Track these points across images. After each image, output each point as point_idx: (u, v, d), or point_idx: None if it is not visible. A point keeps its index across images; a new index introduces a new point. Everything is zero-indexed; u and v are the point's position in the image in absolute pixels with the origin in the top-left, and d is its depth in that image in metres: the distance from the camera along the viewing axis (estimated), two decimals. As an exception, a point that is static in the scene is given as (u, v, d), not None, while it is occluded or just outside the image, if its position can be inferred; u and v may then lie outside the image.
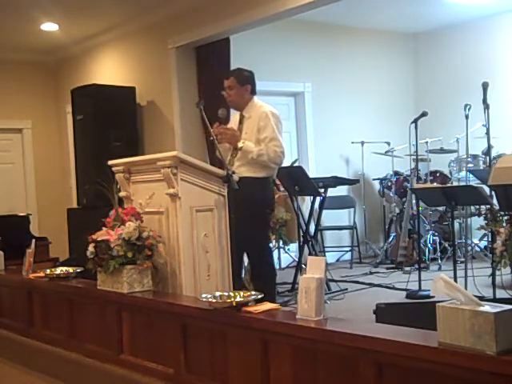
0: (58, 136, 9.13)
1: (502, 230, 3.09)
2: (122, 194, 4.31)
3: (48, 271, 4.73)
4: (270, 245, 5.10)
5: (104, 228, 3.92)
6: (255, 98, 4.76)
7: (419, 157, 6.06)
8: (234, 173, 4.22)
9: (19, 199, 8.84)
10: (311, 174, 7.00)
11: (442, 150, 7.45)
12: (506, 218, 3.21)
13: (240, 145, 4.56)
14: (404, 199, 7.36)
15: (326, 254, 7.42)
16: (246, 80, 4.73)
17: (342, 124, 8.24)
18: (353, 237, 7.84)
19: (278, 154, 4.52)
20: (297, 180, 5.67)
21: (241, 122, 4.72)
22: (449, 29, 8.51)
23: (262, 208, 4.63)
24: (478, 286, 5.08)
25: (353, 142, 8.10)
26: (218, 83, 7.01)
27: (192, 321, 3.34)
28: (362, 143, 8.10)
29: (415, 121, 5.73)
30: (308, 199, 6.77)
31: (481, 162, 7.07)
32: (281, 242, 6.17)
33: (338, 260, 7.93)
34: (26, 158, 8.99)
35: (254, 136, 4.55)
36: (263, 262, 4.69)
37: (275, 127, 4.55)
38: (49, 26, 7.51)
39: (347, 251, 7.89)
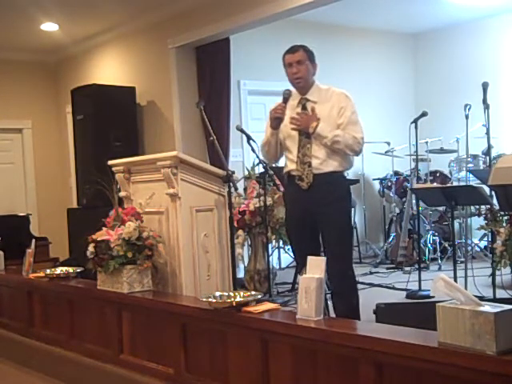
0: (58, 136, 9.12)
1: (501, 230, 3.09)
2: (122, 194, 4.31)
3: (48, 271, 4.73)
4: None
5: (104, 228, 3.92)
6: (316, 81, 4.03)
7: (419, 157, 6.07)
8: (233, 173, 4.21)
9: (19, 199, 8.84)
10: (311, 174, 6.98)
11: (442, 150, 7.45)
12: (506, 217, 3.21)
13: (311, 129, 3.79)
14: (404, 199, 7.35)
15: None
16: (314, 57, 4.03)
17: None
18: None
19: (357, 140, 3.81)
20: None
21: (304, 107, 3.92)
22: (449, 29, 8.51)
23: (348, 206, 3.98)
24: (477, 285, 5.07)
25: (353, 142, 8.09)
26: (218, 83, 7.06)
27: (192, 321, 3.34)
28: (362, 143, 8.09)
29: (415, 121, 5.73)
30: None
31: (481, 162, 7.06)
32: (281, 242, 6.15)
33: (337, 260, 7.92)
34: (26, 158, 8.99)
35: (332, 122, 3.83)
36: (347, 271, 3.88)
37: (356, 110, 3.89)
38: (49, 26, 7.51)
39: (347, 251, 7.87)
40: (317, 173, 3.80)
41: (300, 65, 3.92)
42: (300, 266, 3.93)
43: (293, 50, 4.01)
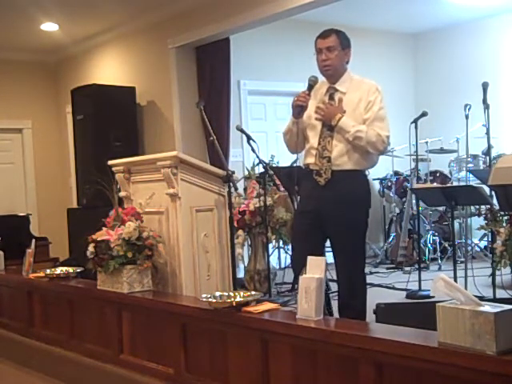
0: (58, 136, 9.12)
1: (501, 230, 3.08)
2: (122, 194, 4.31)
3: (48, 271, 4.73)
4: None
5: (104, 228, 3.92)
6: (349, 69, 3.74)
7: (419, 157, 6.07)
8: (233, 173, 4.21)
9: (19, 199, 8.84)
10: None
11: (442, 150, 7.45)
12: (506, 217, 3.21)
13: (333, 122, 3.57)
14: (404, 199, 7.35)
15: (326, 253, 7.40)
16: (348, 43, 3.69)
17: (341, 124, 8.23)
18: (353, 237, 7.83)
19: (381, 138, 3.56)
20: (297, 180, 5.66)
21: (331, 97, 3.70)
22: (449, 29, 8.51)
23: (365, 210, 3.70)
24: (477, 285, 5.07)
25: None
26: (217, 83, 7.06)
27: (192, 321, 3.34)
28: (362, 143, 8.09)
29: (415, 121, 5.73)
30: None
31: (481, 162, 7.06)
32: (281, 242, 6.15)
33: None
34: (26, 158, 8.99)
35: (357, 116, 3.60)
36: (357, 275, 3.70)
37: (384, 105, 3.62)
38: (49, 26, 7.51)
39: (347, 251, 7.87)
40: (336, 169, 3.57)
41: (330, 52, 3.63)
42: (295, 264, 3.82)
43: (324, 34, 3.67)
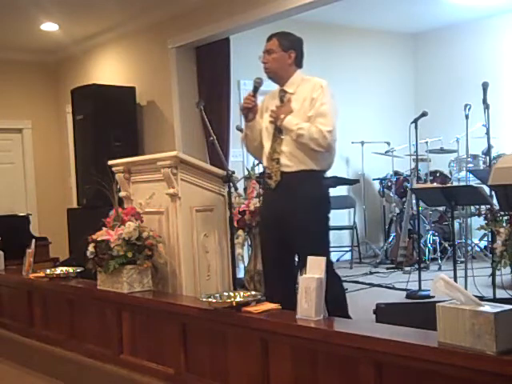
0: (58, 136, 9.12)
1: (501, 229, 3.08)
2: (122, 193, 4.31)
3: (48, 271, 4.73)
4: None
5: (104, 228, 3.92)
6: (300, 71, 3.74)
7: (419, 157, 6.07)
8: (233, 173, 4.21)
9: (19, 199, 8.85)
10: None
11: (442, 150, 7.45)
12: (506, 218, 3.21)
13: (279, 122, 3.58)
14: (404, 199, 7.36)
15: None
16: (291, 45, 3.69)
17: (341, 124, 8.16)
18: (353, 237, 7.84)
19: (322, 134, 3.47)
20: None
21: (281, 99, 3.69)
22: (449, 29, 8.51)
23: (320, 210, 3.60)
24: (478, 285, 5.08)
25: (353, 142, 8.09)
26: (218, 83, 7.06)
27: (192, 321, 3.34)
28: (362, 143, 8.10)
29: (415, 121, 5.73)
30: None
31: (481, 162, 7.07)
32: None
33: (337, 260, 7.93)
34: (25, 158, 8.99)
35: (302, 114, 3.57)
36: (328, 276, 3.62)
37: (328, 101, 3.56)
38: (49, 26, 7.51)
39: (347, 251, 7.88)
40: (285, 171, 3.54)
41: (269, 54, 3.71)
42: (265, 273, 3.81)
43: (268, 38, 3.77)
